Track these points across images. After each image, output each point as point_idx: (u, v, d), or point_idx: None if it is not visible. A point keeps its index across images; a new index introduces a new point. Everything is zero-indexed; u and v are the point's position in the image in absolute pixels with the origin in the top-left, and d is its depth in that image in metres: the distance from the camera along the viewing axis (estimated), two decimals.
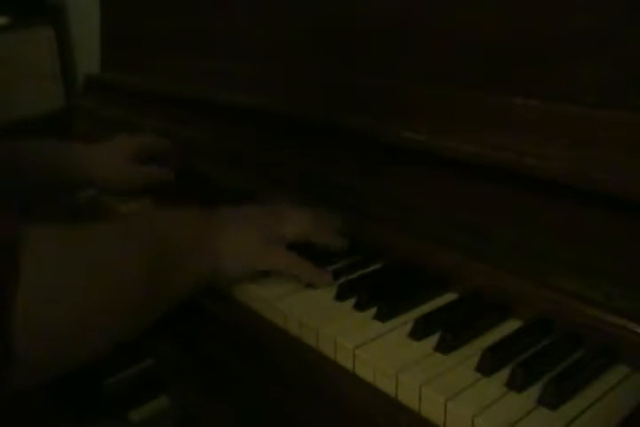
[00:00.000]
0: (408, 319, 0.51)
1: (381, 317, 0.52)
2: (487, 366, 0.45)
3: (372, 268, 0.61)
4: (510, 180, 0.54)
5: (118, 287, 0.47)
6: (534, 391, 0.43)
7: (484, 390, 0.43)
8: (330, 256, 0.61)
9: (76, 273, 0.44)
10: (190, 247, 0.54)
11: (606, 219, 0.49)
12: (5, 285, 0.38)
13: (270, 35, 0.85)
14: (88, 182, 0.83)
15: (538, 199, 0.53)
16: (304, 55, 0.79)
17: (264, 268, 0.57)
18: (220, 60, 0.95)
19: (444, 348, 0.47)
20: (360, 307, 0.53)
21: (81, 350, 0.46)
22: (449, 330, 0.48)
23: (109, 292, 0.46)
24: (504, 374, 0.44)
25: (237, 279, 0.57)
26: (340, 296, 0.55)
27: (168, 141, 0.89)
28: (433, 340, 0.48)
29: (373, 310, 0.52)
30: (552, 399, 0.41)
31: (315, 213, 0.62)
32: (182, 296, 0.54)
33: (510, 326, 0.51)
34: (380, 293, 0.55)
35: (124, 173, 0.82)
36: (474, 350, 0.47)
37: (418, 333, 0.49)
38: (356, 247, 0.63)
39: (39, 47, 1.93)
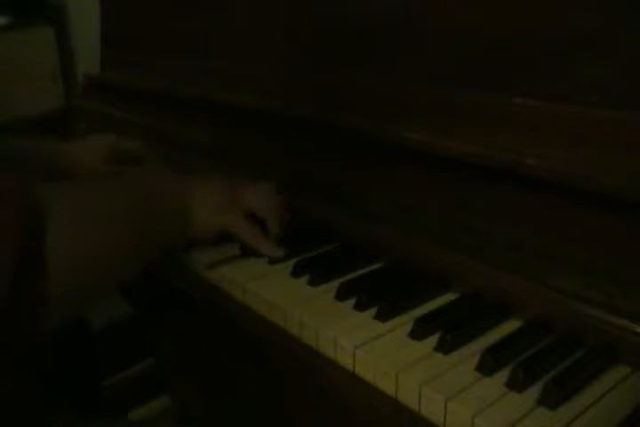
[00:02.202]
0: (408, 319, 0.51)
1: (381, 317, 0.52)
2: (487, 366, 0.45)
3: (371, 268, 0.61)
4: (510, 180, 0.54)
5: (121, 230, 0.53)
6: (534, 391, 0.43)
7: (484, 390, 0.43)
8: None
9: (92, 220, 0.50)
10: (169, 202, 0.61)
11: (606, 219, 0.49)
12: (38, 236, 0.43)
13: (270, 35, 0.85)
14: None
15: (538, 199, 0.53)
16: (304, 55, 0.79)
17: (224, 225, 0.63)
18: (219, 60, 0.95)
19: (444, 348, 0.47)
20: (360, 307, 0.53)
21: (99, 285, 0.52)
22: (449, 330, 0.48)
23: (115, 234, 0.52)
24: (504, 374, 0.44)
25: (205, 236, 0.63)
26: (340, 296, 0.55)
27: (139, 144, 0.92)
28: (433, 340, 0.48)
29: (373, 310, 0.52)
30: (552, 399, 0.41)
31: (272, 189, 0.67)
32: (165, 242, 0.60)
33: (510, 326, 0.51)
34: (380, 293, 0.55)
35: (102, 172, 0.86)
36: (474, 350, 0.47)
37: (418, 333, 0.49)
38: (356, 247, 0.63)
39: (39, 47, 1.92)
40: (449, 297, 0.56)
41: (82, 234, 0.48)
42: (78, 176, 0.84)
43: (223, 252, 0.65)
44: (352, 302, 0.54)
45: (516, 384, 0.43)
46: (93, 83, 1.31)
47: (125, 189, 0.59)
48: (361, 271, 0.60)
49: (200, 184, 0.64)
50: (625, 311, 0.45)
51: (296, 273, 0.59)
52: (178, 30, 1.06)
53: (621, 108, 0.49)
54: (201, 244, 0.66)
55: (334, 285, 0.56)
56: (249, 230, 0.63)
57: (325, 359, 0.50)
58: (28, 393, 0.71)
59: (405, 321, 0.51)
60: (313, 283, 0.58)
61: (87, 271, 0.49)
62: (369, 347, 0.48)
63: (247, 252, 0.63)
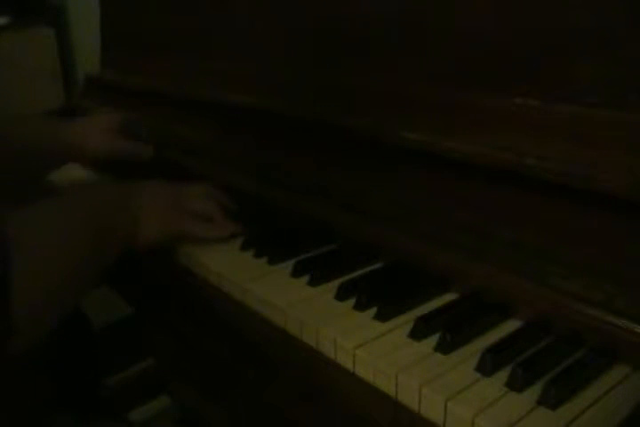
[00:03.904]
0: (408, 319, 0.51)
1: (381, 317, 0.52)
2: (487, 366, 0.45)
3: (371, 268, 0.61)
4: (510, 180, 0.54)
5: (77, 247, 0.57)
6: (534, 391, 0.43)
7: (484, 390, 0.43)
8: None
9: (53, 238, 0.55)
10: (115, 217, 0.64)
11: (606, 219, 0.49)
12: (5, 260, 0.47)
13: (270, 34, 0.85)
14: (79, 157, 0.89)
15: (538, 199, 0.53)
16: (304, 55, 0.79)
17: (179, 231, 0.67)
18: (219, 60, 0.95)
19: (444, 348, 0.47)
20: (360, 307, 0.53)
21: (64, 300, 0.56)
22: (449, 330, 0.48)
23: (72, 250, 0.56)
24: (504, 374, 0.44)
25: (157, 242, 0.66)
26: (340, 296, 0.55)
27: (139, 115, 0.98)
28: (433, 340, 0.48)
29: (373, 310, 0.52)
30: (552, 399, 0.41)
31: (209, 190, 0.72)
32: (115, 253, 0.63)
33: (510, 326, 0.51)
34: (380, 293, 0.55)
35: (113, 145, 0.87)
36: (474, 350, 0.47)
37: (418, 333, 0.49)
38: (355, 247, 0.63)
39: (39, 47, 1.92)
40: (449, 297, 0.55)
41: (45, 255, 0.52)
42: (90, 150, 0.86)
43: (223, 251, 0.65)
44: (352, 302, 0.54)
45: (515, 384, 0.43)
46: (93, 83, 1.31)
47: (77, 206, 0.62)
48: (361, 271, 0.60)
49: (145, 193, 0.67)
50: (625, 311, 0.45)
51: (296, 273, 0.59)
52: (178, 30, 1.06)
53: (621, 108, 0.49)
54: (201, 244, 0.66)
55: (334, 285, 0.56)
56: (198, 225, 0.67)
57: (325, 359, 0.50)
58: (27, 393, 0.71)
59: (405, 321, 0.51)
60: (313, 283, 0.58)
61: (51, 291, 0.53)
62: (369, 347, 0.48)
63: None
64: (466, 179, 0.58)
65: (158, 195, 0.69)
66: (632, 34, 0.49)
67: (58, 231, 0.56)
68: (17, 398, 0.67)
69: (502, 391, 0.43)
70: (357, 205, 0.66)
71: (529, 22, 0.55)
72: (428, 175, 0.62)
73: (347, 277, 0.58)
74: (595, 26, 0.51)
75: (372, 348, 0.48)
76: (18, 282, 0.47)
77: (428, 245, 0.58)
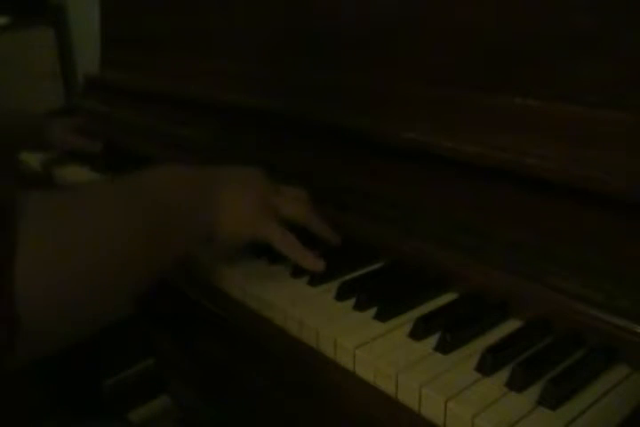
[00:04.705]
0: (408, 319, 0.51)
1: (381, 317, 0.52)
2: (487, 366, 0.45)
3: (371, 268, 0.61)
4: (510, 180, 0.54)
5: (117, 247, 0.45)
6: (534, 391, 0.43)
7: (484, 390, 0.43)
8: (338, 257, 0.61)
9: (76, 234, 0.43)
10: (189, 208, 0.53)
11: (606, 219, 0.49)
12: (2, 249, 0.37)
13: (269, 35, 0.85)
14: (49, 145, 1.07)
15: (538, 199, 0.53)
16: (304, 55, 0.79)
17: (257, 237, 0.57)
18: (219, 60, 0.95)
19: (444, 348, 0.47)
20: (360, 307, 0.53)
21: (87, 313, 0.45)
22: (449, 330, 0.48)
23: (109, 251, 0.44)
24: (504, 374, 0.44)
25: (231, 244, 0.57)
26: (340, 296, 0.55)
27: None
28: (433, 340, 0.48)
29: (373, 310, 0.52)
30: (552, 399, 0.41)
31: (307, 196, 0.62)
32: (179, 255, 0.53)
33: (510, 326, 0.51)
34: (380, 293, 0.55)
35: (76, 139, 1.06)
36: (474, 350, 0.47)
37: (418, 333, 0.49)
38: (355, 247, 0.63)
39: (39, 47, 1.93)
40: (449, 297, 0.55)
41: (62, 254, 0.41)
42: (60, 140, 1.06)
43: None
44: (352, 302, 0.54)
45: (515, 384, 0.43)
46: (93, 83, 1.31)
47: (126, 198, 0.50)
48: (361, 271, 0.60)
49: (230, 183, 0.57)
50: (625, 311, 0.45)
51: (296, 273, 0.59)
52: (178, 30, 1.07)
53: (621, 108, 0.49)
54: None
55: (334, 285, 0.56)
56: (287, 241, 0.57)
57: (325, 359, 0.50)
58: (27, 393, 0.71)
59: (405, 321, 0.51)
60: (313, 283, 0.58)
61: (70, 295, 0.41)
62: (369, 347, 0.48)
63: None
64: (466, 178, 0.58)
65: (246, 188, 0.57)
66: (632, 34, 0.49)
67: (92, 217, 0.44)
68: (17, 398, 0.67)
69: (502, 391, 0.43)
70: (357, 205, 0.66)
71: (529, 22, 0.55)
72: (427, 175, 0.62)
73: (347, 277, 0.58)
74: (595, 26, 0.51)
75: (372, 348, 0.48)
76: (22, 275, 0.37)
77: (427, 245, 0.58)
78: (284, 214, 0.58)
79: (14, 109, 1.18)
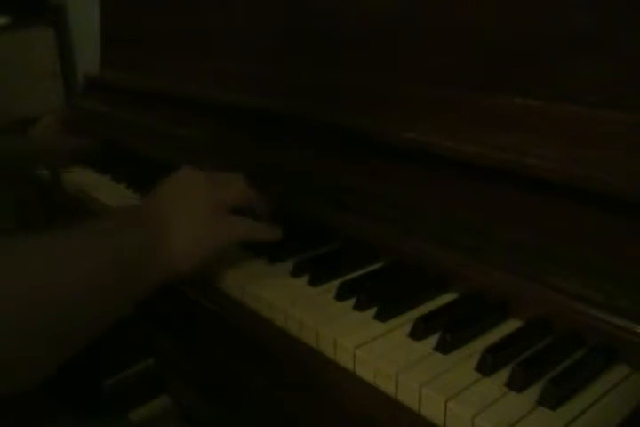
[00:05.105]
0: (408, 319, 0.51)
1: (381, 317, 0.52)
2: (487, 366, 0.45)
3: (371, 268, 0.61)
4: (510, 180, 0.54)
5: (68, 297, 0.45)
6: (534, 391, 0.43)
7: (484, 390, 0.43)
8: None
9: (23, 283, 0.42)
10: (142, 253, 0.52)
11: (606, 219, 0.49)
12: None
13: (270, 35, 0.85)
14: (38, 156, 1.00)
15: (538, 199, 0.53)
16: (304, 55, 0.79)
17: (224, 244, 0.57)
18: (219, 60, 0.95)
19: (444, 348, 0.47)
20: (360, 307, 0.53)
21: (34, 360, 0.44)
22: (449, 330, 0.48)
23: (67, 291, 0.44)
24: (504, 374, 0.44)
25: (203, 264, 0.56)
26: (340, 296, 0.55)
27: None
28: (433, 340, 0.48)
29: (373, 310, 0.52)
30: (552, 399, 0.41)
31: (243, 178, 0.62)
32: (139, 299, 0.53)
33: (510, 326, 0.51)
34: (380, 293, 0.55)
35: (65, 144, 1.00)
36: (474, 350, 0.47)
37: (418, 333, 0.49)
38: (356, 247, 0.63)
39: (39, 47, 1.93)
40: (449, 297, 0.55)
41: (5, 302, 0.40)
42: (47, 148, 0.99)
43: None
44: (352, 301, 0.54)
45: (515, 384, 0.43)
46: (93, 83, 1.31)
47: (83, 248, 0.49)
48: (361, 271, 0.60)
49: (172, 204, 0.56)
50: (625, 311, 0.45)
51: (296, 273, 0.59)
52: (178, 30, 1.06)
53: (621, 108, 0.49)
54: None
55: (334, 285, 0.56)
56: (248, 228, 0.58)
57: (325, 359, 0.50)
58: (28, 393, 0.71)
59: (405, 321, 0.51)
60: (313, 283, 0.58)
61: (11, 345, 0.41)
62: (369, 347, 0.48)
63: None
64: (466, 178, 0.58)
65: (190, 205, 0.56)
66: (632, 34, 0.49)
67: (43, 267, 0.44)
68: (17, 398, 0.67)
69: (502, 391, 0.43)
70: (357, 205, 0.66)
71: (529, 22, 0.55)
72: (427, 175, 0.62)
73: (347, 277, 0.58)
74: (595, 26, 0.51)
75: (371, 348, 0.48)
76: None
77: (427, 245, 0.58)
78: (232, 201, 0.58)
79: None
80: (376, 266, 0.61)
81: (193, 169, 0.61)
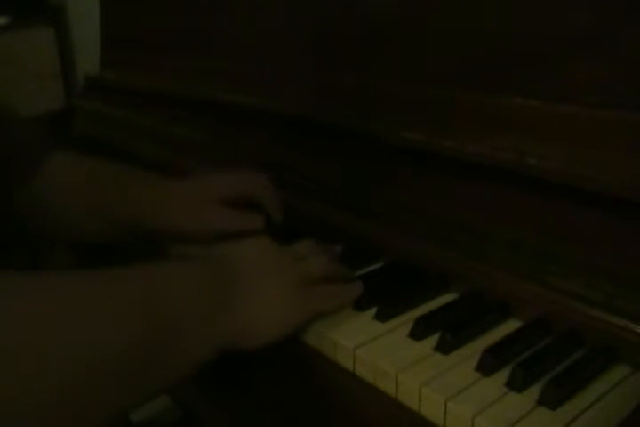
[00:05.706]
0: (408, 319, 0.51)
1: (381, 317, 0.52)
2: (487, 366, 0.45)
3: (371, 267, 0.61)
4: (510, 180, 0.54)
5: (84, 367, 0.35)
6: (534, 391, 0.43)
7: (484, 390, 0.43)
8: None
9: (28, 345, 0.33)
10: (197, 317, 0.42)
11: (606, 219, 0.49)
12: None
13: (270, 35, 0.85)
14: (150, 229, 0.63)
15: (538, 199, 0.53)
16: (304, 55, 0.79)
17: (307, 320, 0.49)
18: (219, 60, 0.95)
19: (444, 348, 0.47)
20: (360, 307, 0.53)
21: None
22: (449, 330, 0.48)
23: (72, 371, 0.34)
24: (504, 374, 0.44)
25: (272, 342, 0.47)
26: None
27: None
28: (433, 340, 0.48)
29: (373, 310, 0.52)
30: (552, 399, 0.41)
31: (313, 244, 0.55)
32: (184, 376, 0.43)
33: (510, 326, 0.51)
34: (380, 293, 0.55)
35: (212, 219, 0.62)
36: (474, 350, 0.47)
37: (418, 333, 0.49)
38: (356, 247, 0.63)
39: (39, 47, 1.93)
40: (449, 297, 0.55)
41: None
42: (172, 224, 0.62)
43: None
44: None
45: (515, 384, 0.43)
46: (93, 83, 1.31)
47: (107, 304, 0.38)
48: (361, 271, 0.60)
49: (243, 270, 0.46)
50: (625, 311, 0.45)
51: None
52: (178, 30, 1.07)
53: (621, 108, 0.49)
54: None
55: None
56: (327, 299, 0.51)
57: (325, 360, 0.50)
58: None
59: (405, 321, 0.51)
60: None
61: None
62: (369, 347, 0.48)
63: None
64: (466, 179, 0.58)
65: (267, 272, 0.47)
66: (632, 34, 0.49)
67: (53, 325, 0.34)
68: None
69: (502, 391, 0.43)
70: (357, 205, 0.66)
71: (529, 22, 0.55)
72: (427, 175, 0.62)
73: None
74: (594, 26, 0.51)
75: (372, 348, 0.48)
76: None
77: (427, 244, 0.58)
78: (314, 276, 0.50)
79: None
80: (376, 266, 0.61)
81: (267, 239, 0.51)
